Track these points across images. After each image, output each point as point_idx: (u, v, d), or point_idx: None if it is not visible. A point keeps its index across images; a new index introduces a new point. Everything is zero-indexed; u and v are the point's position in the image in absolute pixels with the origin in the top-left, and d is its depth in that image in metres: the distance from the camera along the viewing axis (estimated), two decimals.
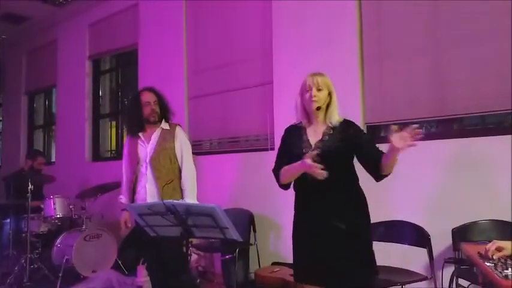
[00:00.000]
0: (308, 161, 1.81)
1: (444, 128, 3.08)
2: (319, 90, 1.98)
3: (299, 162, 1.88)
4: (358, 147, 1.97)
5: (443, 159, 2.87)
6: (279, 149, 2.14)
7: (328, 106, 2.02)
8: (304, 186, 1.99)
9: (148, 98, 2.85)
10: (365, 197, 2.03)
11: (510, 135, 2.63)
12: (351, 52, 3.33)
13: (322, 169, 1.80)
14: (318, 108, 1.99)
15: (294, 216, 2.08)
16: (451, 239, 2.64)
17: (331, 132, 2.00)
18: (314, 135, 2.02)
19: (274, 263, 3.52)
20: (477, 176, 2.73)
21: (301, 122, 2.08)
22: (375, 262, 1.99)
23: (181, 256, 2.58)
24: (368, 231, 2.03)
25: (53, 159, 6.68)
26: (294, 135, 2.07)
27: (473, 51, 2.82)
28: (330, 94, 2.01)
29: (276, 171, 2.08)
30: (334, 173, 1.88)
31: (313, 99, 1.97)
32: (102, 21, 5.68)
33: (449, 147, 2.84)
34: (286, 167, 2.00)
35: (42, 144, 7.10)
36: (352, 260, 1.91)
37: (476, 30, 2.80)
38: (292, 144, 2.05)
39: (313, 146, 1.98)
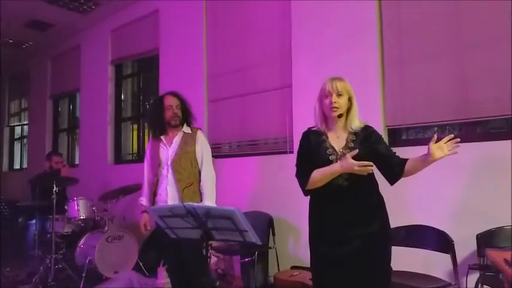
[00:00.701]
0: (351, 160, 1.81)
1: (467, 131, 3.01)
2: (339, 95, 1.95)
3: (337, 164, 1.88)
4: (379, 153, 1.96)
5: (467, 163, 2.80)
6: (300, 154, 2.10)
7: (348, 111, 2.00)
8: (325, 192, 1.96)
9: (171, 101, 2.89)
10: (384, 203, 2.01)
11: None
12: (371, 54, 3.30)
13: (348, 176, 1.86)
14: (340, 116, 1.98)
15: (311, 222, 2.05)
16: (475, 244, 2.59)
17: (355, 138, 1.98)
18: (337, 141, 2.00)
19: (293, 267, 3.50)
20: (502, 179, 2.66)
21: (319, 127, 2.05)
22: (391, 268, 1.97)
23: (201, 258, 2.60)
24: (388, 236, 2.00)
25: (77, 162, 6.84)
26: (315, 141, 2.03)
27: (496, 52, 2.75)
28: (350, 99, 1.99)
29: (301, 177, 2.02)
30: (359, 179, 1.88)
31: (334, 105, 1.94)
32: (124, 27, 5.80)
33: (473, 150, 2.77)
34: (318, 171, 1.94)
35: (66, 147, 7.28)
36: (371, 267, 1.88)
37: (498, 31, 2.74)
38: (315, 150, 2.01)
39: (339, 152, 1.96)
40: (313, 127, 2.08)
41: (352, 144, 1.96)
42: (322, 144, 2.00)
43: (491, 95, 2.77)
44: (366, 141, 1.97)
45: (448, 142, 1.76)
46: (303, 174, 2.00)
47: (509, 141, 2.68)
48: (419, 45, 3.11)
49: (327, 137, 2.01)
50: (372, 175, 1.96)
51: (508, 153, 2.66)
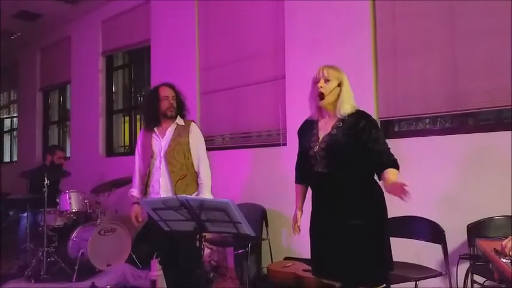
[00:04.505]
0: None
1: (459, 122, 3.04)
2: (326, 81, 1.95)
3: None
4: (361, 142, 1.87)
5: (458, 155, 2.83)
6: (298, 147, 2.16)
7: (338, 97, 1.95)
8: (315, 182, 1.99)
9: (167, 92, 2.85)
10: (381, 193, 1.96)
11: None
12: (364, 46, 3.30)
13: (327, 163, 1.91)
14: (321, 97, 1.92)
15: (311, 209, 2.07)
16: (466, 235, 2.62)
17: (341, 125, 1.93)
18: (324, 128, 1.99)
19: (286, 258, 3.53)
20: (493, 171, 2.69)
21: (313, 116, 2.06)
22: (391, 258, 1.96)
23: (194, 250, 2.59)
24: (381, 227, 1.96)
25: (68, 155, 6.78)
26: (306, 129, 2.07)
27: (488, 45, 2.77)
28: (340, 85, 1.95)
29: (296, 171, 2.17)
30: (343, 169, 1.88)
31: (320, 90, 1.93)
32: (115, 18, 5.73)
33: (464, 142, 2.80)
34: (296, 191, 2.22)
35: (57, 140, 7.22)
36: (365, 256, 1.88)
37: (491, 24, 2.75)
38: (304, 137, 2.06)
39: (320, 139, 1.96)
40: (311, 117, 2.09)
41: (335, 131, 1.93)
42: (311, 132, 2.02)
43: (482, 87, 2.79)
44: (351, 129, 1.90)
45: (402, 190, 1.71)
46: (296, 169, 2.19)
47: (499, 132, 2.70)
48: (412, 37, 3.11)
49: (317, 125, 2.03)
50: (360, 167, 1.90)
51: (498, 144, 2.68)
